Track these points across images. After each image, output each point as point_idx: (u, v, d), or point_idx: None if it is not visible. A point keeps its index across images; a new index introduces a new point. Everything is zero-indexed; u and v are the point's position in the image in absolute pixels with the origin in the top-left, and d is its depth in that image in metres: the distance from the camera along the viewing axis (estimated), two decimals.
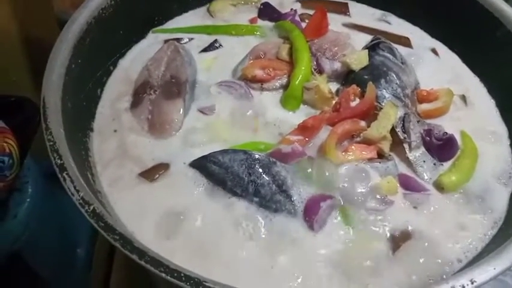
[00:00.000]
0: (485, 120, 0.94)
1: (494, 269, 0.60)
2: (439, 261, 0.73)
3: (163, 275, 0.57)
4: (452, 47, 1.05)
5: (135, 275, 1.06)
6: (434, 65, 1.02)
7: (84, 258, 1.26)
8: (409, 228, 0.76)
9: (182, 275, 0.57)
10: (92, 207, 0.62)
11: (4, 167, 0.91)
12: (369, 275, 0.71)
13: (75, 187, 0.64)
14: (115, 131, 0.86)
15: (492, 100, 0.97)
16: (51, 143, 0.68)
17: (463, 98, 0.96)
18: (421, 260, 0.73)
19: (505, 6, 0.93)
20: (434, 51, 1.05)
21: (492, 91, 0.98)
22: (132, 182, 0.78)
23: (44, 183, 1.06)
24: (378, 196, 0.78)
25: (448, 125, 0.90)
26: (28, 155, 0.99)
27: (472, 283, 0.58)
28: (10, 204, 0.97)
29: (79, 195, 0.63)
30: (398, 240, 0.74)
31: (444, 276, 0.70)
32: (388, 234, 0.75)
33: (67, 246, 1.23)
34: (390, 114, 0.82)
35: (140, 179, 0.78)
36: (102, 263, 1.19)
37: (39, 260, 1.09)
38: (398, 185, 0.80)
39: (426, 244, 0.75)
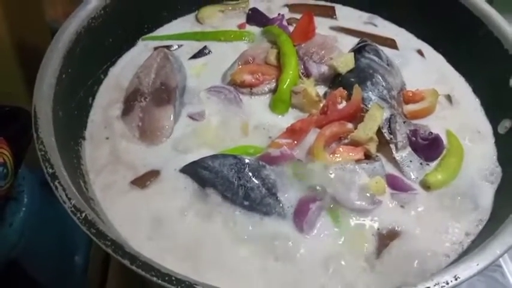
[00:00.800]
0: (471, 119, 0.95)
1: (478, 264, 0.61)
2: (426, 258, 0.74)
3: (155, 279, 0.58)
4: (437, 48, 1.07)
5: (130, 281, 1.07)
6: (420, 66, 1.04)
7: (81, 265, 1.26)
8: (397, 227, 0.78)
9: (173, 278, 0.58)
10: (83, 215, 0.63)
11: None
12: (358, 274, 0.72)
13: (66, 195, 0.65)
14: (107, 138, 0.87)
15: (477, 99, 0.99)
16: (43, 153, 0.69)
17: (449, 97, 0.98)
18: (408, 258, 0.74)
19: (485, 6, 0.95)
20: (419, 52, 1.07)
21: (477, 90, 0.99)
22: (124, 189, 0.80)
23: (39, 192, 1.06)
24: (366, 196, 0.79)
25: (434, 124, 0.91)
26: (23, 164, 1.00)
27: (456, 279, 0.60)
28: (6, 213, 0.97)
29: (71, 203, 0.64)
30: (386, 238, 0.76)
31: (431, 273, 0.71)
32: (376, 234, 0.76)
33: (64, 254, 1.24)
34: (376, 116, 0.84)
35: (132, 186, 0.80)
36: (97, 269, 1.20)
37: (37, 267, 1.09)
38: (386, 185, 0.82)
39: (413, 242, 0.76)
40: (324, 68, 0.96)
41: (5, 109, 1.06)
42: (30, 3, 1.20)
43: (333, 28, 1.11)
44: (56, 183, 0.66)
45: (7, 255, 0.97)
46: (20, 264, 1.02)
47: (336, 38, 1.06)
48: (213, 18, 1.10)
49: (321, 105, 0.91)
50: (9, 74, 1.28)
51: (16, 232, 0.98)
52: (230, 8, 1.12)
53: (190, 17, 1.12)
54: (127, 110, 0.90)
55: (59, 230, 1.19)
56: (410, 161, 0.85)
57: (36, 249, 1.06)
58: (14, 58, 1.28)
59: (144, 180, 0.80)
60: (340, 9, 1.16)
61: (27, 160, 1.02)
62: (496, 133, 0.92)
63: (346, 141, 0.85)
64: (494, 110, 0.94)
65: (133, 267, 0.59)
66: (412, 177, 0.84)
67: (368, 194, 0.79)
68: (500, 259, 1.09)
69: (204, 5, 1.12)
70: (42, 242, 1.09)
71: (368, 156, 0.84)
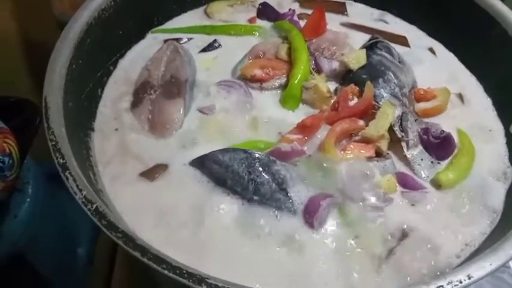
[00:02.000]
0: (482, 118, 0.95)
1: (491, 264, 0.61)
2: (437, 257, 0.74)
3: (166, 272, 0.58)
4: (449, 46, 1.07)
5: (136, 274, 1.06)
6: (432, 64, 1.03)
7: (85, 258, 1.27)
8: (407, 225, 0.77)
9: (184, 272, 0.58)
10: (94, 206, 0.63)
11: (4, 167, 0.91)
12: (368, 272, 0.72)
13: (77, 186, 0.64)
14: (116, 129, 0.87)
15: (488, 98, 0.98)
16: (54, 143, 0.68)
17: (460, 96, 0.97)
18: (419, 257, 0.73)
19: (500, 6, 0.94)
20: (431, 50, 1.06)
21: (488, 89, 0.99)
22: (133, 181, 0.79)
23: (44, 184, 1.06)
24: (377, 194, 0.78)
25: (445, 123, 0.91)
26: (28, 155, 1.00)
27: (469, 278, 0.59)
28: (10, 205, 0.97)
29: (82, 194, 0.64)
30: (396, 237, 0.75)
31: (442, 272, 0.71)
32: (387, 232, 0.76)
33: (68, 246, 1.24)
34: (388, 113, 0.83)
35: (141, 178, 0.79)
36: (104, 262, 1.20)
37: (40, 259, 1.09)
38: (397, 183, 0.82)
39: (424, 241, 0.75)
40: (335, 64, 0.95)
41: (10, 100, 1.06)
42: None
43: (343, 24, 1.10)
44: (67, 173, 0.65)
45: (12, 246, 0.97)
46: (24, 255, 1.02)
47: (347, 34, 1.05)
48: (222, 12, 1.09)
49: (332, 101, 0.90)
50: (16, 66, 1.28)
51: (21, 224, 0.98)
52: (239, 2, 1.11)
53: (200, 10, 1.11)
54: (136, 102, 0.90)
55: (63, 223, 1.19)
56: (422, 160, 0.84)
57: (40, 241, 1.06)
58: (20, 50, 1.29)
59: (153, 172, 0.80)
60: (351, 5, 1.15)
61: (32, 152, 1.02)
62: (507, 133, 0.92)
63: (357, 138, 0.85)
64: (505, 110, 0.94)
65: (145, 260, 0.58)
66: (423, 175, 0.83)
67: (379, 192, 0.79)
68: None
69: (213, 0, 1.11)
70: (46, 234, 1.09)
71: (379, 154, 0.84)
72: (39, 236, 1.04)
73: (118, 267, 1.07)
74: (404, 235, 0.76)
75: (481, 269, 0.61)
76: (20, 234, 0.98)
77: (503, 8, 0.94)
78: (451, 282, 0.59)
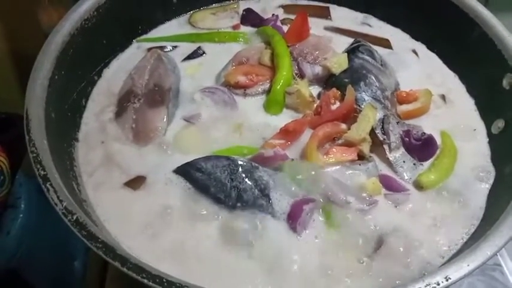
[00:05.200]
0: (465, 118, 0.95)
1: (468, 265, 0.61)
2: (420, 259, 0.74)
3: (146, 281, 0.58)
4: (431, 48, 1.07)
5: (128, 285, 1.06)
6: (415, 66, 1.04)
7: (81, 270, 1.26)
8: (391, 227, 0.77)
9: (164, 280, 0.58)
10: (75, 217, 0.63)
11: None
12: (351, 274, 0.72)
13: (58, 197, 0.65)
14: (102, 141, 0.87)
15: (471, 99, 0.99)
16: (34, 155, 0.69)
17: (443, 97, 0.98)
18: (402, 258, 0.74)
19: (480, 8, 0.95)
20: (414, 52, 1.07)
21: (471, 90, 0.99)
22: (117, 189, 0.80)
23: (37, 199, 1.06)
24: (362, 196, 0.79)
25: (428, 124, 0.92)
26: (20, 171, 1.00)
27: (447, 280, 0.60)
28: (3, 221, 0.97)
29: (62, 205, 0.64)
30: (380, 238, 0.76)
31: (424, 274, 0.71)
32: (370, 234, 0.76)
33: (64, 260, 1.23)
34: (369, 116, 0.84)
35: (125, 187, 0.80)
36: (96, 273, 1.20)
37: (36, 274, 1.08)
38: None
39: (407, 242, 0.76)
40: (318, 69, 0.96)
41: (1, 116, 1.07)
42: (25, 11, 1.20)
43: (327, 28, 1.11)
44: (48, 185, 0.66)
45: (6, 263, 0.97)
46: (19, 271, 1.02)
47: (331, 38, 1.06)
48: (206, 20, 1.10)
49: (315, 105, 0.91)
50: (6, 81, 1.29)
51: (14, 240, 0.97)
52: (222, 10, 1.12)
53: (185, 18, 1.12)
54: (120, 112, 0.90)
55: (58, 236, 1.18)
56: (404, 162, 0.85)
57: (35, 256, 1.05)
58: (10, 65, 1.29)
59: (137, 182, 0.80)
60: (335, 9, 1.16)
61: (24, 167, 1.02)
62: (489, 133, 0.92)
63: (340, 141, 0.85)
64: (487, 110, 0.95)
65: (124, 269, 0.59)
66: (406, 177, 0.84)
67: (364, 194, 0.80)
68: (500, 258, 1.10)
69: (197, 7, 1.12)
70: (41, 248, 1.08)
71: (362, 157, 0.84)
72: (34, 251, 1.04)
73: (110, 279, 1.07)
74: (387, 236, 0.76)
75: (459, 270, 0.61)
76: (14, 250, 0.97)
77: (483, 11, 0.95)
78: (429, 284, 0.59)
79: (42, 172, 0.67)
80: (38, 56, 0.82)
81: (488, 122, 0.93)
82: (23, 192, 1.01)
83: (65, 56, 0.85)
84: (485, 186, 0.84)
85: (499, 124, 0.90)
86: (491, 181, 0.85)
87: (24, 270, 1.02)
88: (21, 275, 1.02)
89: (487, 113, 0.94)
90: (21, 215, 0.98)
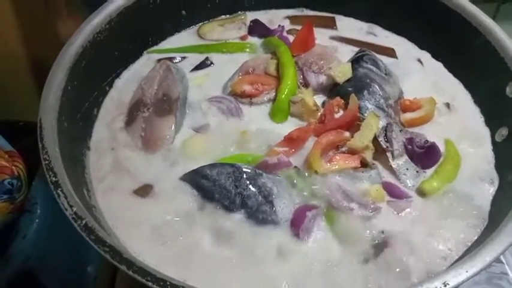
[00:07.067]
0: (469, 126, 0.96)
1: (467, 271, 0.62)
2: (422, 265, 0.75)
3: (150, 284, 0.60)
4: (436, 57, 1.08)
5: None
6: (420, 74, 1.05)
7: (94, 275, 1.28)
8: (393, 233, 0.78)
9: (168, 283, 0.60)
10: (84, 222, 0.66)
11: (13, 190, 0.95)
12: (354, 279, 0.73)
13: (68, 203, 0.68)
14: (112, 149, 0.90)
15: (476, 107, 0.99)
16: (47, 162, 0.72)
17: (447, 105, 0.98)
18: (404, 264, 0.75)
19: (483, 17, 0.96)
20: (419, 60, 1.08)
21: (475, 98, 1.00)
22: (126, 196, 0.82)
23: (52, 204, 1.08)
24: (365, 203, 0.80)
25: (432, 131, 0.93)
26: (36, 177, 1.04)
27: (445, 285, 0.61)
28: (20, 225, 1.00)
29: (72, 210, 0.67)
30: (382, 245, 0.77)
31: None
32: (373, 240, 0.77)
33: (77, 264, 1.25)
34: (372, 125, 0.85)
35: (133, 194, 0.82)
36: (106, 277, 1.22)
37: (50, 278, 1.10)
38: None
39: (410, 248, 0.77)
40: (323, 78, 0.97)
41: (19, 124, 1.11)
42: (44, 23, 1.25)
43: (333, 38, 1.13)
44: (59, 191, 0.69)
45: (20, 266, 1.00)
46: (34, 275, 1.05)
47: (336, 48, 1.08)
48: (214, 32, 1.12)
49: (319, 114, 0.93)
50: (25, 90, 1.33)
51: (30, 244, 1.00)
52: (229, 21, 1.14)
53: (194, 29, 1.14)
54: (130, 121, 0.93)
55: (72, 241, 1.20)
56: (407, 169, 0.86)
57: (50, 260, 1.08)
58: (30, 75, 1.34)
59: (147, 189, 0.83)
60: (340, 19, 1.17)
61: (40, 173, 1.05)
62: (494, 140, 0.93)
63: (343, 149, 0.87)
64: (492, 118, 0.95)
65: (130, 273, 0.61)
66: (409, 184, 0.85)
67: (367, 201, 0.81)
68: (507, 267, 1.09)
69: (206, 19, 1.15)
70: (56, 253, 1.11)
71: (365, 164, 0.85)
72: (48, 255, 1.06)
73: (119, 283, 1.09)
74: (390, 242, 0.77)
75: (457, 275, 0.62)
76: (29, 253, 1.00)
77: (487, 20, 0.96)
78: None
79: (53, 178, 0.70)
80: (52, 67, 0.85)
81: (492, 129, 0.94)
82: (39, 197, 1.04)
83: (78, 68, 0.88)
84: (489, 194, 0.85)
85: (502, 132, 0.90)
86: (494, 188, 0.85)
87: (39, 274, 1.04)
88: (36, 279, 1.05)
89: (491, 120, 0.95)
90: (37, 220, 1.01)
